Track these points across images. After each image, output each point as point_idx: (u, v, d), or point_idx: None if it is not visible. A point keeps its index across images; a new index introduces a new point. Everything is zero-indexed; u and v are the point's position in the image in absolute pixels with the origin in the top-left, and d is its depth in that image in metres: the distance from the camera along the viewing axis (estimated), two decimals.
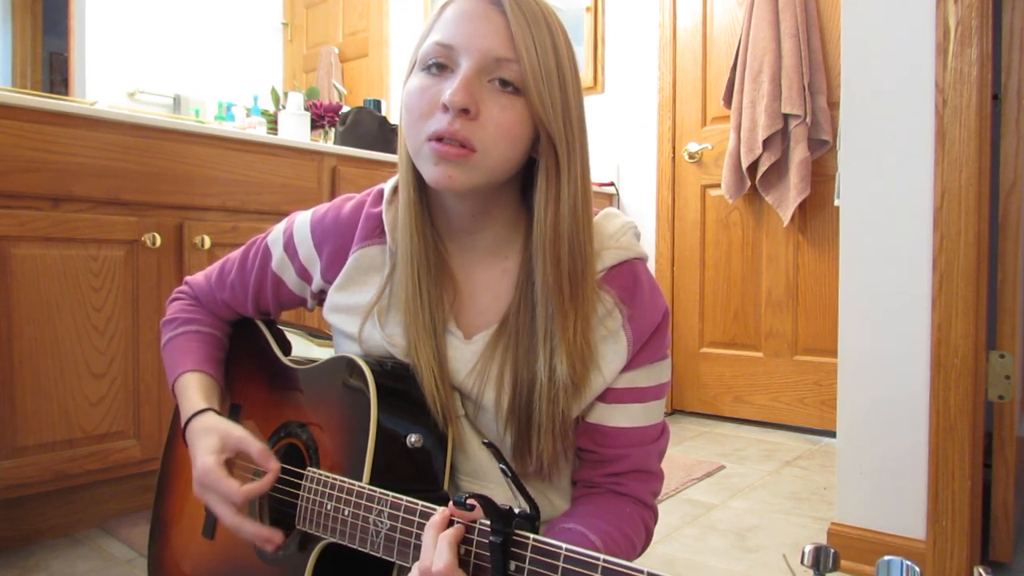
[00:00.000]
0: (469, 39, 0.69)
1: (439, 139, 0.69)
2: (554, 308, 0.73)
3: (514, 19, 0.69)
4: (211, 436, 0.80)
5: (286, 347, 0.95)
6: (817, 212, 2.60)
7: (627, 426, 0.78)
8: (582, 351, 0.74)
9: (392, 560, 0.67)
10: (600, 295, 0.77)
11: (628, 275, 0.78)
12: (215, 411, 0.85)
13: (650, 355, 0.79)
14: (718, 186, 2.80)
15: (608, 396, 0.78)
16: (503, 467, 0.61)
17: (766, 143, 2.54)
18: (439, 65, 0.71)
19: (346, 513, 0.71)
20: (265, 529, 0.76)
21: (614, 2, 3.04)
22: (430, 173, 0.71)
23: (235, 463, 0.82)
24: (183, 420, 0.86)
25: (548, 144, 0.72)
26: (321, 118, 2.67)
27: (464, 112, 0.68)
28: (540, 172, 0.73)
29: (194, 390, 0.88)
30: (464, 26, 0.70)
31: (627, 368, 0.77)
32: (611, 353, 0.76)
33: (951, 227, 1.35)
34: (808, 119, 2.48)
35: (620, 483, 0.79)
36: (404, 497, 0.67)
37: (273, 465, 0.77)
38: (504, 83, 0.70)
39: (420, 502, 0.66)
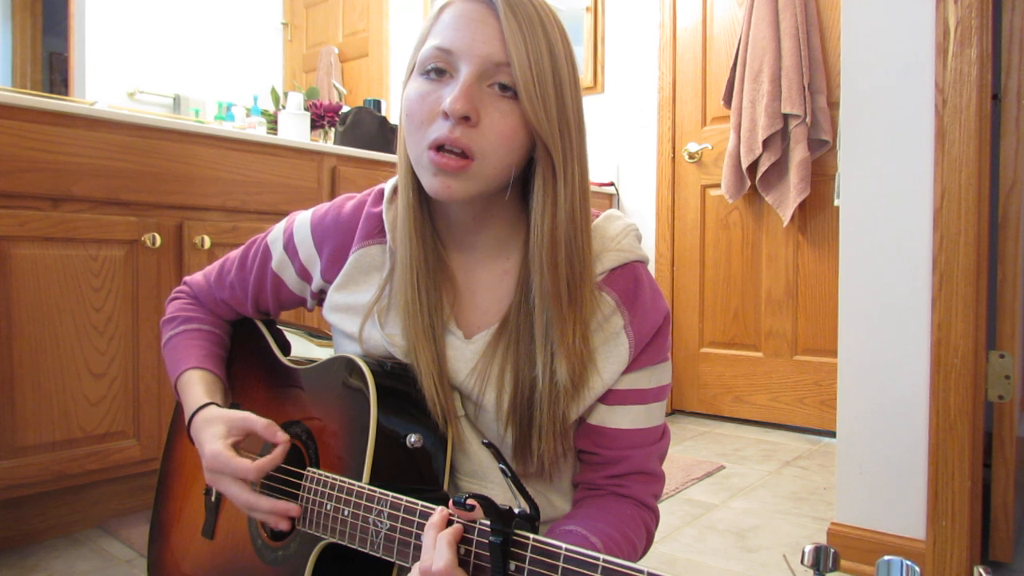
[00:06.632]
0: (468, 44, 0.69)
1: (439, 147, 0.69)
2: (552, 313, 0.73)
3: (507, 25, 0.68)
4: (215, 424, 0.80)
5: (285, 347, 0.95)
6: (817, 212, 2.60)
7: (628, 428, 0.78)
8: (581, 355, 0.74)
9: (392, 560, 0.67)
10: (601, 297, 0.76)
11: (629, 277, 0.78)
12: (217, 405, 0.85)
13: (651, 357, 0.79)
14: (718, 186, 2.80)
15: (609, 397, 0.78)
16: (503, 467, 0.61)
17: (766, 143, 2.54)
18: (438, 70, 0.70)
19: (346, 513, 0.71)
20: (281, 503, 0.75)
21: (614, 2, 3.04)
22: (429, 183, 0.71)
23: (242, 446, 0.82)
24: (187, 416, 0.85)
25: (544, 150, 0.71)
26: (321, 118, 2.67)
27: (464, 120, 0.67)
28: (537, 178, 0.72)
29: (197, 386, 0.88)
30: (463, 30, 0.69)
31: (628, 370, 0.77)
32: (612, 355, 0.76)
33: (951, 227, 1.35)
34: (808, 119, 2.48)
35: (621, 485, 0.79)
36: (404, 497, 0.67)
37: (281, 437, 0.76)
38: (504, 88, 0.69)
39: (420, 502, 0.66)
